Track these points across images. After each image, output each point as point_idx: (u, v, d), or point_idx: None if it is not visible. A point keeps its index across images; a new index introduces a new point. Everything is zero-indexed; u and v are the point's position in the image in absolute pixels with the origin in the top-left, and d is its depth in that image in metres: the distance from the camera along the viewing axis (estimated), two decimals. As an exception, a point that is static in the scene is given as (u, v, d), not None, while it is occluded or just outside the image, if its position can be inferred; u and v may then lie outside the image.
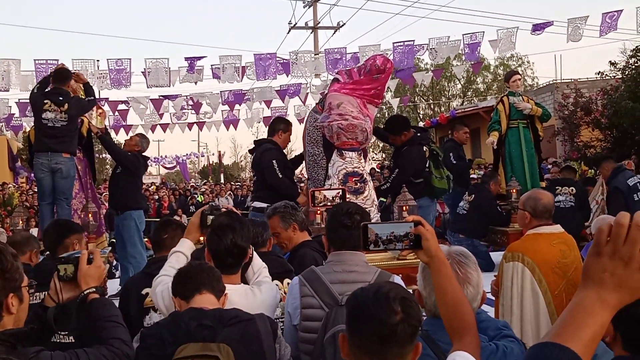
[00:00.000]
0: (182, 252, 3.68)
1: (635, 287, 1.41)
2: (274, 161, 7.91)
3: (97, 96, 9.68)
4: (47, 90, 8.95)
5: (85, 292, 2.90)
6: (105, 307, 2.88)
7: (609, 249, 1.41)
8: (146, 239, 10.69)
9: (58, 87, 8.91)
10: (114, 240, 13.93)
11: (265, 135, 8.68)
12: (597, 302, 1.42)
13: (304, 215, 6.75)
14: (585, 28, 13.73)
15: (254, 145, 8.41)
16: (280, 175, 7.89)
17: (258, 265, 3.83)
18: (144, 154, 9.95)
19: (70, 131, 8.79)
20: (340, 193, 5.78)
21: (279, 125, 8.30)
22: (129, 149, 9.80)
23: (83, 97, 9.28)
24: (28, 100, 10.08)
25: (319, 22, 30.87)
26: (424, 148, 8.88)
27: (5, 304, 2.39)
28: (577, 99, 22.25)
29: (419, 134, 8.87)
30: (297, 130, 8.48)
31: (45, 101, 8.69)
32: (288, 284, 4.01)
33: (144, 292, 4.31)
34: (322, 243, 4.93)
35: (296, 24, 30.51)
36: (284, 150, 8.49)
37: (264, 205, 7.31)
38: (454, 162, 10.50)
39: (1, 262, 2.37)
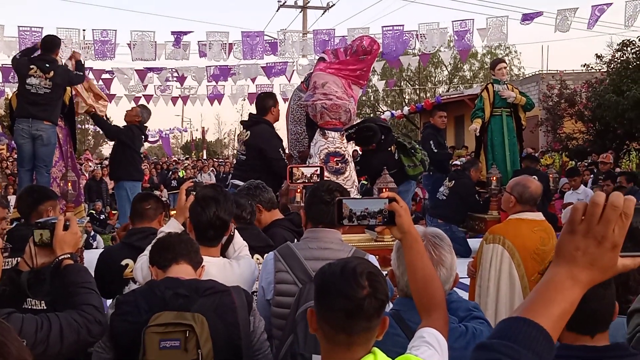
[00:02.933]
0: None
1: (607, 266, 1.41)
2: (280, 150, 7.71)
3: (85, 73, 9.60)
4: (34, 56, 8.91)
5: (59, 258, 2.90)
6: (78, 273, 2.88)
7: (583, 227, 1.41)
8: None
9: (46, 54, 8.86)
10: (93, 211, 13.93)
11: (249, 112, 8.57)
12: (568, 279, 1.42)
13: (281, 193, 6.75)
14: (574, 20, 13.78)
15: (247, 120, 8.11)
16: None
17: (239, 244, 3.84)
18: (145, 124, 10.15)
19: (53, 100, 8.72)
20: (319, 170, 5.77)
21: (268, 102, 7.96)
22: (130, 120, 9.92)
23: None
24: (11, 66, 10.00)
25: (309, 2, 30.78)
26: (390, 148, 9.03)
27: None
28: (561, 91, 22.37)
29: (383, 138, 8.95)
30: (282, 108, 8.40)
31: (32, 66, 8.64)
32: None
33: (123, 263, 4.31)
34: (294, 221, 4.97)
35: (285, 2, 30.41)
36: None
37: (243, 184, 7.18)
38: (435, 150, 10.54)
39: None
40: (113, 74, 16.92)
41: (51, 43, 9.08)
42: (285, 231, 4.86)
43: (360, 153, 9.74)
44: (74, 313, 2.65)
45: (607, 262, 1.41)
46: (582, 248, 1.41)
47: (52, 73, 8.59)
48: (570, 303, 1.43)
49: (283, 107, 8.93)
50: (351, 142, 8.82)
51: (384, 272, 2.40)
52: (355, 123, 8.60)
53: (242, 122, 8.42)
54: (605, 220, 1.39)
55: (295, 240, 4.53)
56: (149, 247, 3.49)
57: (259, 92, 18.75)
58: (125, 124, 10.04)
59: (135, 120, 9.81)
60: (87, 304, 2.72)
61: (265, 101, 7.98)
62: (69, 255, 2.92)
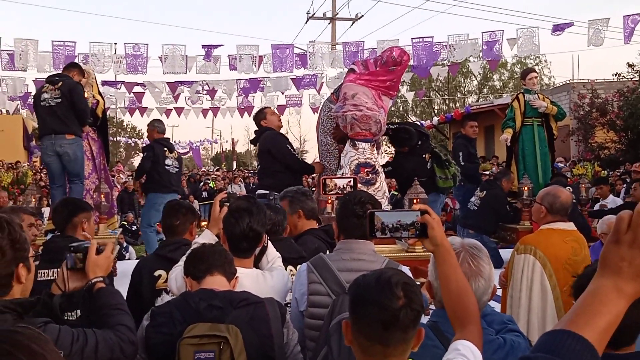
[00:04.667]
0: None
1: None
2: (287, 145, 8.21)
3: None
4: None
5: (92, 281, 2.91)
6: (112, 296, 2.89)
7: (629, 237, 1.38)
8: (157, 223, 10.79)
9: (62, 71, 9.00)
10: (124, 222, 14.08)
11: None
12: (613, 290, 1.39)
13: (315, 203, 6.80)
14: (606, 30, 13.68)
15: (255, 136, 8.62)
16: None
17: (272, 255, 3.84)
18: (164, 135, 10.35)
19: (66, 110, 8.59)
20: (352, 182, 5.77)
21: (258, 116, 8.61)
22: (151, 138, 10.21)
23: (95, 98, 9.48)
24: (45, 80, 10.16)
25: (337, 13, 30.85)
26: (424, 155, 9.06)
27: (16, 273, 2.45)
28: (593, 100, 22.18)
29: (419, 143, 8.97)
30: (312, 120, 8.67)
31: (45, 84, 8.74)
32: None
33: (156, 274, 4.33)
34: (328, 232, 4.96)
35: (314, 14, 30.49)
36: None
37: (267, 192, 7.48)
38: (462, 163, 10.51)
39: (11, 234, 2.42)
40: (144, 87, 17.09)
41: (72, 64, 9.28)
42: (317, 240, 4.86)
43: (394, 155, 9.79)
44: (109, 332, 2.67)
45: None
46: (627, 259, 1.38)
47: (60, 83, 8.59)
48: (616, 315, 1.40)
49: (313, 118, 9.20)
50: (385, 138, 8.88)
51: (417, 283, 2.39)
52: (396, 122, 8.70)
53: (251, 141, 9.01)
54: None
55: (328, 251, 4.53)
56: (183, 258, 3.51)
57: (289, 103, 18.86)
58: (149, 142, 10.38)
59: (155, 136, 10.06)
60: (121, 324, 2.74)
61: (256, 118, 8.64)
62: (102, 279, 2.94)
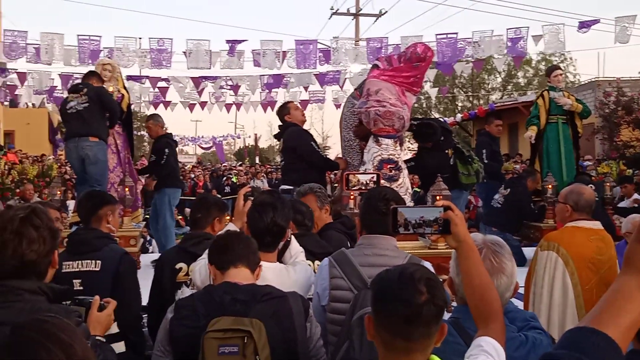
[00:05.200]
0: None
1: None
2: (312, 143, 8.27)
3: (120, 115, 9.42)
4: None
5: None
6: (107, 353, 2.92)
7: None
8: (180, 217, 10.88)
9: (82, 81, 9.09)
10: (148, 216, 14.18)
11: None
12: (637, 288, 1.39)
13: (334, 200, 6.88)
14: (632, 28, 13.55)
15: (278, 132, 8.64)
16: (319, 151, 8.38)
17: (296, 249, 3.87)
18: (166, 130, 10.51)
19: (94, 113, 8.57)
20: (375, 178, 5.77)
21: (282, 111, 8.59)
22: (155, 135, 10.21)
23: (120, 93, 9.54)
24: (70, 74, 10.26)
25: (361, 9, 30.80)
26: (447, 150, 9.04)
27: (53, 259, 2.61)
28: (618, 98, 21.91)
29: (442, 139, 8.97)
30: (335, 116, 8.66)
31: (69, 95, 8.82)
32: None
33: (177, 266, 4.35)
34: (345, 223, 5.01)
35: (338, 10, 30.49)
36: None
37: (291, 187, 7.54)
38: (486, 161, 10.46)
39: (47, 223, 2.56)
40: (169, 82, 17.17)
41: (89, 73, 9.27)
42: (339, 233, 4.93)
43: (417, 151, 9.77)
44: None
45: None
46: None
47: (85, 90, 8.60)
48: None
49: (336, 114, 9.19)
50: (409, 133, 8.87)
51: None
52: (419, 117, 8.69)
53: (275, 136, 9.06)
54: None
55: (348, 243, 4.57)
56: (205, 254, 3.53)
57: (312, 99, 18.86)
58: (153, 140, 10.49)
59: (159, 133, 10.11)
60: None
61: (280, 113, 8.63)
62: (101, 340, 2.94)
